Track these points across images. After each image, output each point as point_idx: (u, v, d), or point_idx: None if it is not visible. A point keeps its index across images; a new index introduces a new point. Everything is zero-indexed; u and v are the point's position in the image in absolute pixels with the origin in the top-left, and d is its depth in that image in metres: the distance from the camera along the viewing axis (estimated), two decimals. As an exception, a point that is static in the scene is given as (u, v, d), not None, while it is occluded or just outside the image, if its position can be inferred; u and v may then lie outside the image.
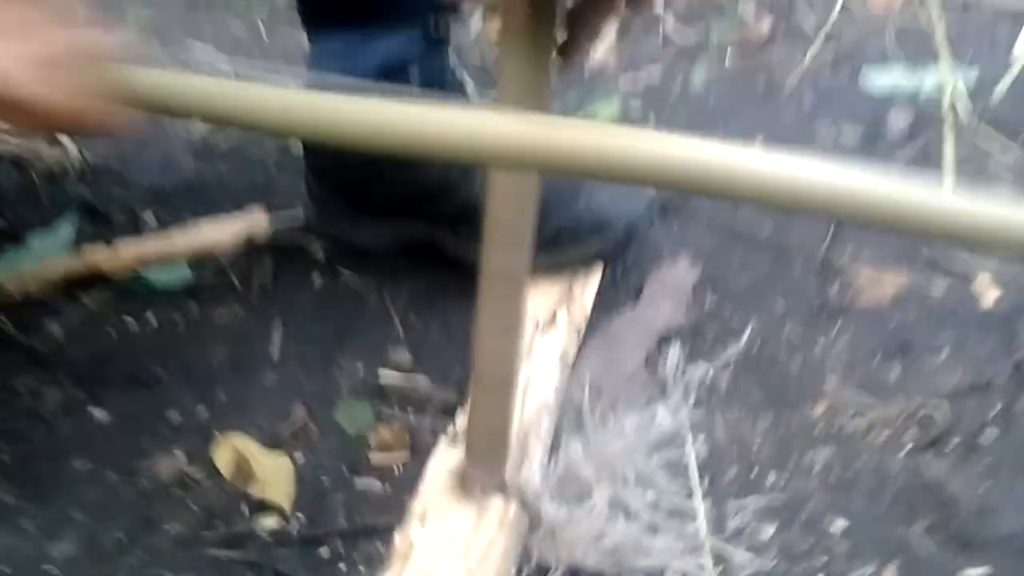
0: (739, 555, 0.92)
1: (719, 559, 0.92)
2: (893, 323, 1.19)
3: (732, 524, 0.97)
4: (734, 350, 1.16)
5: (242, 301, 1.19)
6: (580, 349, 1.15)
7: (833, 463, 1.03)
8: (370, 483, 1.04)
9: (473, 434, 0.89)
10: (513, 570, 0.90)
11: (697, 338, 1.18)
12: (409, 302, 1.23)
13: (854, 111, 1.47)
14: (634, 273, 1.26)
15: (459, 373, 1.13)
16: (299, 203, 1.21)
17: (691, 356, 1.15)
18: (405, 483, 1.00)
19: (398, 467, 1.05)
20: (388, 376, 1.15)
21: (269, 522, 1.00)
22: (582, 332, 1.16)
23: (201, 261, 1.19)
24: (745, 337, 1.17)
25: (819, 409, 1.09)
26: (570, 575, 0.91)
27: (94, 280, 1.15)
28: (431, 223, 1.21)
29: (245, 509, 0.99)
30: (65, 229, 1.24)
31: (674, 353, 1.15)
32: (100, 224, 1.26)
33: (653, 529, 0.92)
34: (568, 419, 1.05)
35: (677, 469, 1.02)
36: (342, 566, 0.96)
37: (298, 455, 1.06)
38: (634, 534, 0.91)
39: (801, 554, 0.90)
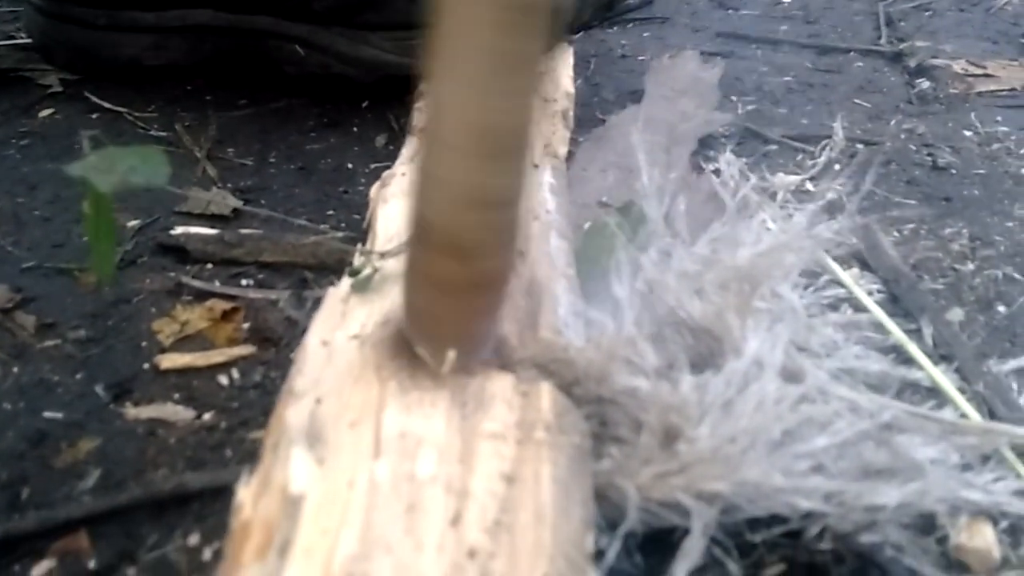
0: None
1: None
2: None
3: None
4: (831, 153, 0.63)
5: None
6: (572, 152, 0.60)
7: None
8: (161, 411, 0.42)
9: (429, 255, 0.32)
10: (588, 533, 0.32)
11: (753, 142, 0.65)
12: (224, 138, 0.66)
13: None
14: (616, 72, 0.74)
15: (336, 220, 0.56)
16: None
17: (760, 163, 0.62)
18: (246, 405, 0.43)
19: (230, 376, 0.45)
20: (191, 231, 0.54)
21: None
22: (570, 121, 0.61)
23: None
24: (839, 135, 0.65)
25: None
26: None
27: None
28: (275, 18, 0.69)
29: None
30: None
31: (728, 160, 0.61)
32: None
33: (879, 429, 0.36)
34: (594, 236, 0.48)
35: (846, 308, 0.47)
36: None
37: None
38: (848, 438, 0.35)
39: None
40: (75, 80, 0.73)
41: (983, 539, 0.34)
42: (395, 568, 0.27)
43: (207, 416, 0.43)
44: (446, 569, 0.28)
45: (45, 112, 0.70)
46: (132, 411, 0.43)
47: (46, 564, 0.36)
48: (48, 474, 0.40)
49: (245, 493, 0.31)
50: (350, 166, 0.65)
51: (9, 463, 0.40)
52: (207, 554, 0.36)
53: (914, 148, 0.66)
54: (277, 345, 0.47)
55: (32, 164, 0.63)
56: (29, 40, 0.75)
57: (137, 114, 0.70)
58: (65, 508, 0.38)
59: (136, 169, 0.32)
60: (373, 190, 0.54)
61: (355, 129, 0.70)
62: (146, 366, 0.46)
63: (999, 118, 0.71)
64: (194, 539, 0.37)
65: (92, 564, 0.36)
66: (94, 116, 0.69)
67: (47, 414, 0.43)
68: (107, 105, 0.70)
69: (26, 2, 0.74)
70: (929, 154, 0.65)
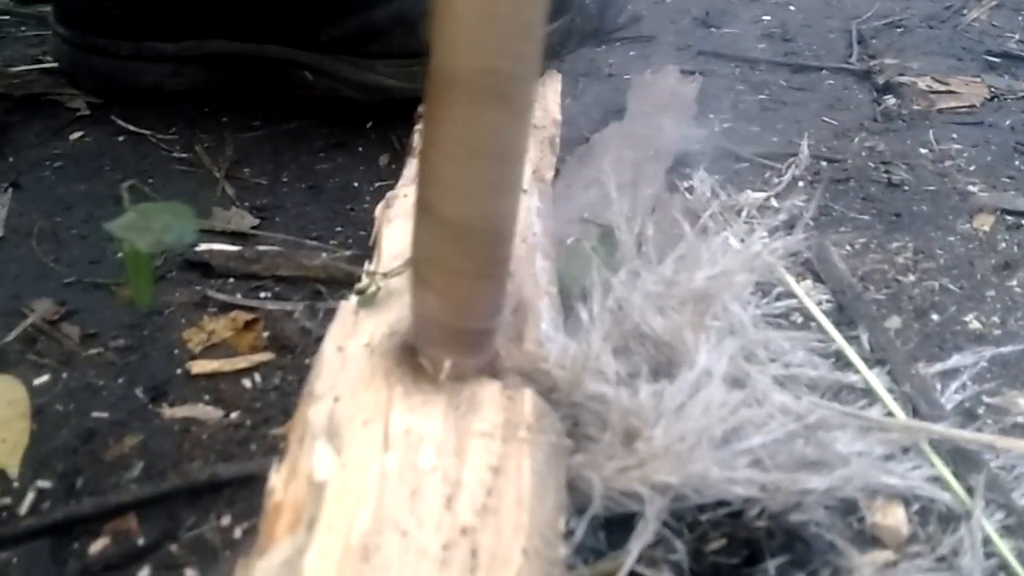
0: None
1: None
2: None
3: (954, 402, 0.49)
4: (795, 171, 0.69)
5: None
6: (559, 170, 0.66)
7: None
8: (193, 411, 0.49)
9: (433, 278, 0.38)
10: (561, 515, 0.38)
11: (726, 160, 0.71)
12: (240, 158, 0.72)
13: None
14: (603, 90, 0.80)
15: (344, 236, 0.63)
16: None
17: (731, 180, 0.68)
18: (268, 405, 0.50)
19: (252, 380, 0.51)
20: (214, 248, 0.61)
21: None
22: (557, 147, 0.67)
23: None
24: (805, 153, 0.71)
25: (979, 222, 0.64)
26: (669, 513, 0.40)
27: None
28: (285, 46, 0.75)
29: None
30: None
31: (702, 178, 0.67)
32: None
33: (809, 427, 0.42)
34: (574, 258, 0.54)
35: (797, 317, 0.54)
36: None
37: (42, 379, 0.50)
38: (780, 436, 0.41)
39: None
40: (101, 104, 0.79)
41: (895, 518, 0.41)
42: (402, 541, 0.34)
43: (234, 415, 0.50)
44: (444, 541, 0.34)
45: (75, 135, 0.76)
46: (168, 411, 0.50)
47: (101, 542, 0.42)
48: (99, 466, 0.46)
49: (276, 480, 0.37)
50: (356, 185, 0.71)
51: (64, 457, 0.47)
52: (238, 532, 0.43)
53: (873, 166, 0.72)
54: (293, 352, 0.54)
55: (66, 185, 0.69)
56: (56, 64, 0.81)
57: (160, 136, 0.76)
58: (115, 495, 0.44)
59: (169, 227, 0.39)
60: (378, 210, 0.60)
61: (360, 149, 0.76)
62: (179, 371, 0.52)
63: (955, 135, 0.77)
64: (226, 520, 0.43)
65: (141, 542, 0.42)
66: (120, 139, 0.75)
67: (95, 414, 0.49)
68: (132, 128, 0.76)
69: (53, 32, 0.80)
70: (886, 171, 0.71)
